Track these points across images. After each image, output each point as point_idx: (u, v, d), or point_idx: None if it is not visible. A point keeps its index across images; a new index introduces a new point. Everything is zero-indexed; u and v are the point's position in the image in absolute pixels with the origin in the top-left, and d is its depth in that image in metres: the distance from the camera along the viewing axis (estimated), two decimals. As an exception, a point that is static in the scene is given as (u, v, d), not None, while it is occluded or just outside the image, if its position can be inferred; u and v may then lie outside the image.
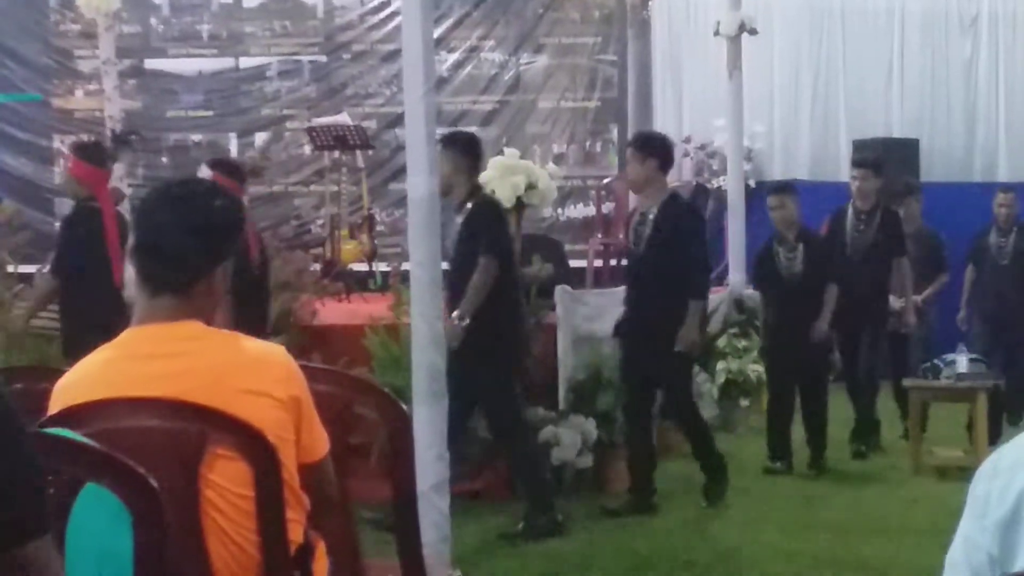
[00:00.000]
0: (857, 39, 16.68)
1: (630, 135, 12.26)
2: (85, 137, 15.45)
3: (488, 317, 8.69)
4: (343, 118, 14.81)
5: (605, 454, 10.00)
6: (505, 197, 10.15)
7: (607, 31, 16.04)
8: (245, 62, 17.17)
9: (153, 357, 3.75)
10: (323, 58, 17.08)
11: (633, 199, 11.85)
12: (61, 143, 16.58)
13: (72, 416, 3.53)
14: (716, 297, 12.08)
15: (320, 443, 3.99)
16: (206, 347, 3.89)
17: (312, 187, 16.11)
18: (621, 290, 11.37)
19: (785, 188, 11.38)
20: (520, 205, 10.26)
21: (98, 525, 3.28)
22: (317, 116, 15.59)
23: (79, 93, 16.75)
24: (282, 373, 3.92)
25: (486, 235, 8.82)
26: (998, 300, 13.07)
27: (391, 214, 15.58)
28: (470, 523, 8.60)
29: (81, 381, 3.74)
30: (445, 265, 8.27)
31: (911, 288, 11.76)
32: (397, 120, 13.61)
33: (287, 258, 11.54)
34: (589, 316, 10.48)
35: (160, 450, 3.52)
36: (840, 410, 11.35)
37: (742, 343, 12.35)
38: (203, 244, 3.92)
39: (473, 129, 16.27)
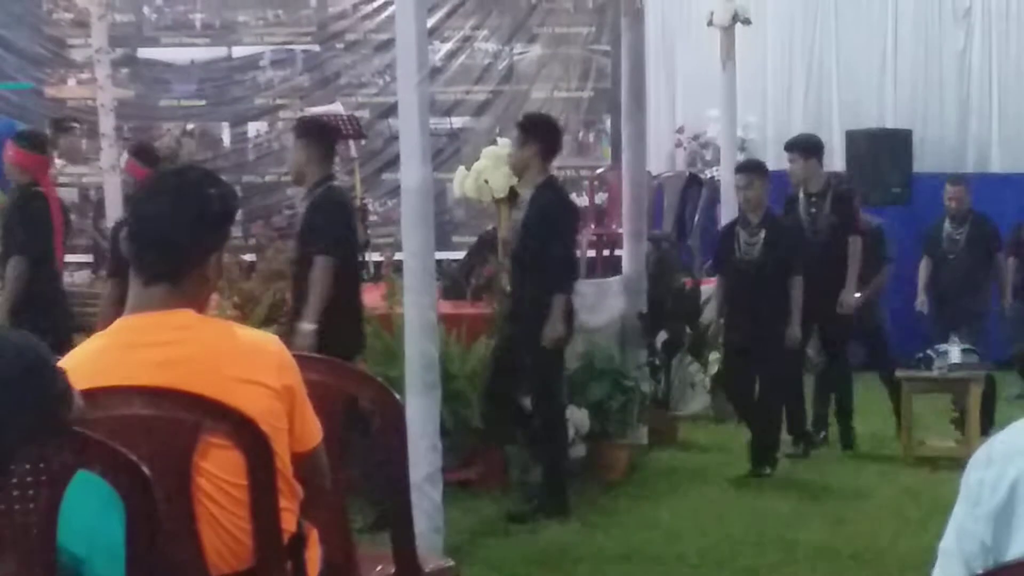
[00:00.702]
0: (850, 30, 16.70)
1: (624, 126, 12.24)
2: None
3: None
4: (336, 107, 14.76)
5: (598, 444, 10.00)
6: (498, 187, 10.15)
7: (600, 21, 16.05)
8: (238, 51, 17.16)
9: (146, 345, 3.75)
10: (316, 47, 17.07)
11: (627, 190, 11.87)
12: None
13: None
14: (708, 288, 12.08)
15: (313, 432, 4.00)
16: (199, 335, 3.89)
17: (306, 177, 16.09)
18: (615, 280, 11.45)
19: (755, 167, 11.03)
20: (513, 195, 10.24)
21: (90, 512, 3.29)
22: (310, 105, 15.55)
23: (72, 82, 16.71)
24: (276, 362, 3.92)
25: (325, 232, 8.44)
26: (951, 291, 12.66)
27: (384, 204, 15.58)
28: (463, 512, 8.62)
29: (74, 369, 3.73)
30: (439, 255, 8.30)
31: (856, 269, 11.10)
32: (390, 110, 13.60)
33: (280, 247, 11.50)
34: (582, 306, 10.45)
35: (153, 438, 3.52)
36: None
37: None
38: (196, 232, 3.92)
39: (466, 119, 16.36)
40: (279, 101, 16.96)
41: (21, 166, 9.84)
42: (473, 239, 13.29)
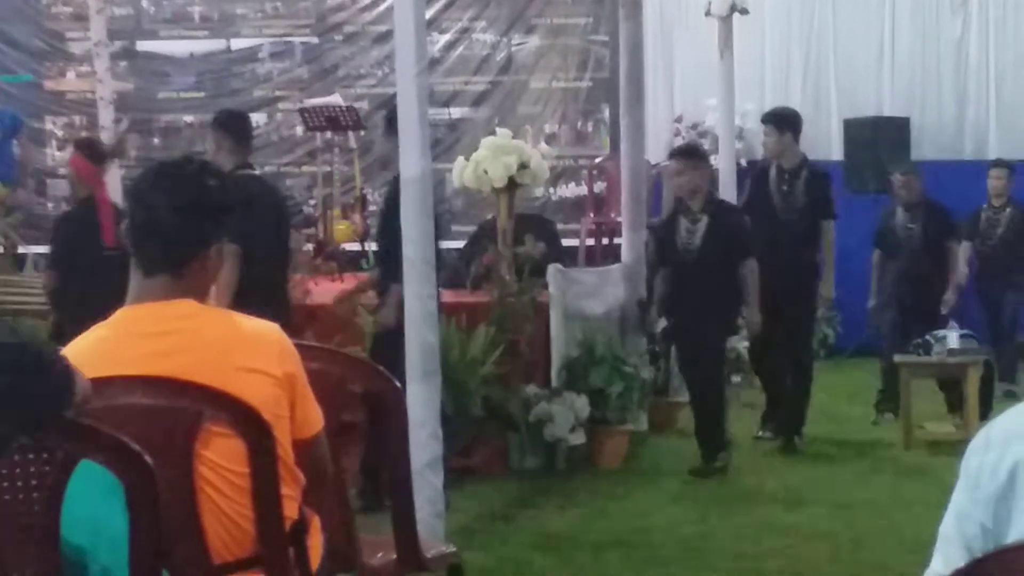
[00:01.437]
0: (847, 18, 16.71)
1: (622, 115, 12.25)
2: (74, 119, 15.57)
3: None
4: (335, 99, 14.82)
5: (598, 430, 10.02)
6: (497, 177, 10.14)
7: (598, 11, 16.05)
8: (237, 43, 17.14)
9: (148, 335, 3.75)
10: (315, 39, 17.06)
11: (626, 179, 11.88)
12: (53, 124, 16.56)
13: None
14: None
15: (314, 420, 4.00)
16: (200, 325, 3.89)
17: (304, 168, 16.09)
18: (615, 268, 11.45)
19: (689, 152, 10.55)
20: (512, 185, 10.24)
21: (93, 501, 3.29)
22: (309, 97, 15.59)
23: (71, 75, 16.70)
24: (277, 350, 3.93)
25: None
26: (909, 284, 12.20)
27: (382, 193, 15.58)
28: (464, 498, 8.63)
29: (76, 360, 3.73)
30: (441, 244, 8.30)
31: (832, 256, 10.87)
32: (389, 101, 13.56)
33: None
34: (581, 294, 10.49)
35: (155, 428, 3.53)
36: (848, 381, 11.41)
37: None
38: (196, 223, 3.93)
39: (465, 109, 16.36)
40: (278, 93, 16.95)
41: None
42: (472, 228, 13.32)
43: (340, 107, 14.22)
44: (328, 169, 14.32)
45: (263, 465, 3.81)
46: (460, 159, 10.74)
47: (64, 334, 6.87)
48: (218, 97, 16.84)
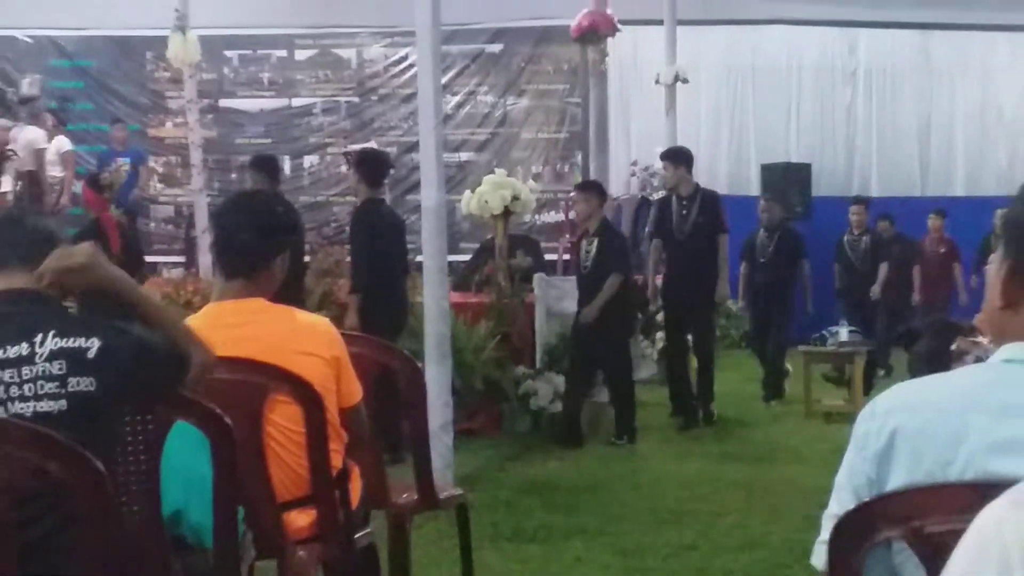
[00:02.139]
0: (763, 87, 16.74)
1: (591, 159, 12.28)
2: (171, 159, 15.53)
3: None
4: (371, 145, 14.82)
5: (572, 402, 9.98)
6: (495, 206, 10.15)
7: (573, 80, 16.03)
8: (296, 102, 17.17)
9: (228, 326, 3.75)
10: (356, 99, 17.08)
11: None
12: (154, 163, 16.54)
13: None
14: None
15: (355, 392, 4.01)
16: (268, 318, 3.90)
17: (347, 198, 16.03)
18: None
19: (585, 187, 10.22)
20: (507, 212, 10.25)
21: (186, 453, 3.30)
22: (351, 143, 15.61)
23: (168, 124, 16.73)
24: (326, 338, 3.94)
25: None
26: (763, 291, 11.95)
27: (408, 219, 15.45)
28: (469, 453, 8.63)
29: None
30: (451, 257, 8.29)
31: (725, 264, 10.33)
32: (413, 147, 13.59)
33: (328, 252, 11.52)
34: (559, 297, 10.46)
35: (234, 396, 3.53)
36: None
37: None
38: (265, 240, 3.93)
39: (471, 154, 16.38)
40: (327, 140, 16.97)
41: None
42: (476, 245, 13.30)
43: (375, 151, 14.19)
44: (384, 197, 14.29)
45: (315, 426, 3.81)
46: (467, 192, 10.73)
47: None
48: (281, 143, 16.89)
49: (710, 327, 10.87)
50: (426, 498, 4.73)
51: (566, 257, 14.18)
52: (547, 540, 6.81)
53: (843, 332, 11.20)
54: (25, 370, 2.81)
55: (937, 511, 1.91)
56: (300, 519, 3.88)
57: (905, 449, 1.98)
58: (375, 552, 4.36)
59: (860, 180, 16.73)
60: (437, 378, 7.19)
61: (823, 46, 16.65)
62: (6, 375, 2.81)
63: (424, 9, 7.29)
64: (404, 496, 4.70)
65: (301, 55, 17.13)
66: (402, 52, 16.41)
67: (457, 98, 16.34)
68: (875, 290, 13.14)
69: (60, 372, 2.81)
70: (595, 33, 11.74)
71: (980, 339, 4.21)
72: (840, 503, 2.05)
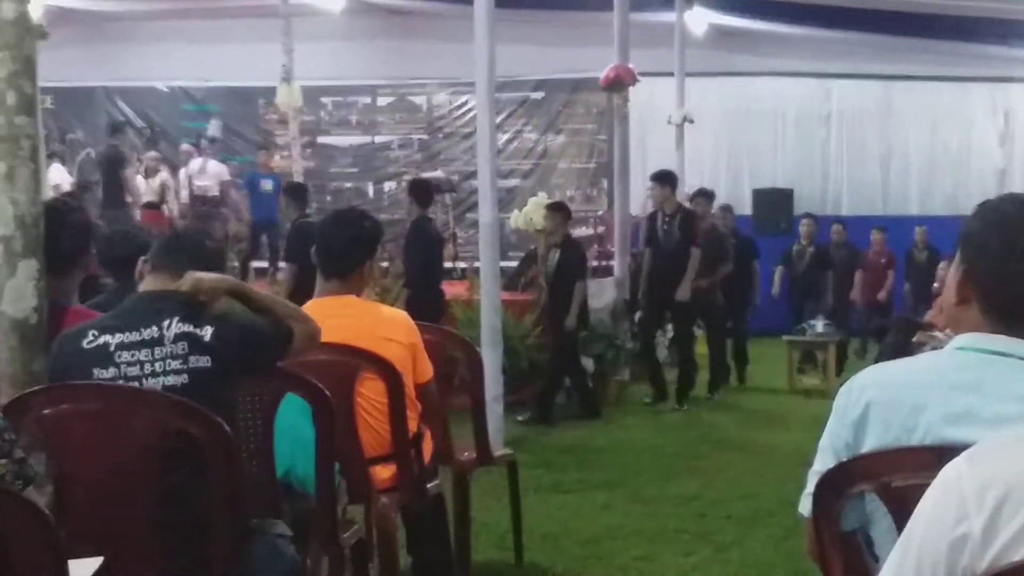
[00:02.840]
0: (755, 126, 16.57)
1: (615, 185, 12.24)
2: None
3: None
4: (438, 174, 14.85)
5: (599, 380, 9.94)
6: (537, 222, 10.09)
7: (601, 121, 15.96)
8: (378, 139, 17.14)
9: (327, 318, 3.76)
10: (426, 136, 17.04)
11: (617, 225, 11.83)
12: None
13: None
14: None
15: (427, 371, 4.02)
16: (359, 312, 3.92)
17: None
18: (609, 279, 11.39)
19: (553, 207, 9.71)
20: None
21: (293, 419, 3.32)
22: (422, 172, 15.62)
23: (276, 157, 16.67)
24: (404, 328, 3.96)
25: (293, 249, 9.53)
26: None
27: (467, 232, 15.48)
28: (515, 421, 8.63)
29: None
30: (502, 263, 8.28)
31: (693, 271, 9.69)
32: (472, 175, 13.55)
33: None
34: (590, 295, 10.42)
35: (331, 374, 3.55)
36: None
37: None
38: (356, 248, 3.95)
39: (518, 180, 16.32)
40: (403, 169, 16.91)
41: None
42: (522, 254, 13.28)
43: (441, 178, 14.23)
44: (432, 216, 14.28)
45: (395, 398, 3.83)
46: (515, 211, 10.72)
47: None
48: (366, 171, 16.93)
49: (688, 324, 10.17)
50: (483, 456, 4.76)
51: (595, 263, 14.16)
52: (580, 491, 6.81)
53: (819, 325, 11.11)
54: (157, 350, 2.82)
55: (902, 469, 1.91)
56: (383, 472, 3.90)
57: (877, 419, 1.98)
58: (442, 499, 4.38)
59: (833, 202, 16.56)
60: (491, 359, 7.17)
61: (803, 94, 16.50)
62: (142, 354, 2.83)
63: (482, 64, 7.29)
64: (465, 454, 4.72)
65: (382, 101, 17.14)
66: (463, 99, 16.37)
67: (507, 135, 16.28)
68: (828, 300, 12.36)
69: (183, 351, 2.82)
70: (619, 83, 11.68)
71: (935, 333, 4.17)
72: (823, 462, 2.04)
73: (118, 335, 2.84)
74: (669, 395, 9.97)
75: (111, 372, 2.81)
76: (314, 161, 16.70)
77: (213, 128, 15.62)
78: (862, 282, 13.40)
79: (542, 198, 10.59)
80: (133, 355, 2.82)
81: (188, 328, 2.84)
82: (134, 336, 2.83)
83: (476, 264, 9.21)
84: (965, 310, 1.98)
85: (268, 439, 3.22)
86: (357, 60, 16.43)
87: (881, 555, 1.97)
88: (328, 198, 16.66)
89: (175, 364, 2.81)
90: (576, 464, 7.54)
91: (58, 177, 12.64)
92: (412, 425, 3.94)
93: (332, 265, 3.93)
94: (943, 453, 1.66)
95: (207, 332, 2.84)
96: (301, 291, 8.39)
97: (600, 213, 15.67)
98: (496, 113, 7.96)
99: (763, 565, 5.40)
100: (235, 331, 2.91)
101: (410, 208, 9.21)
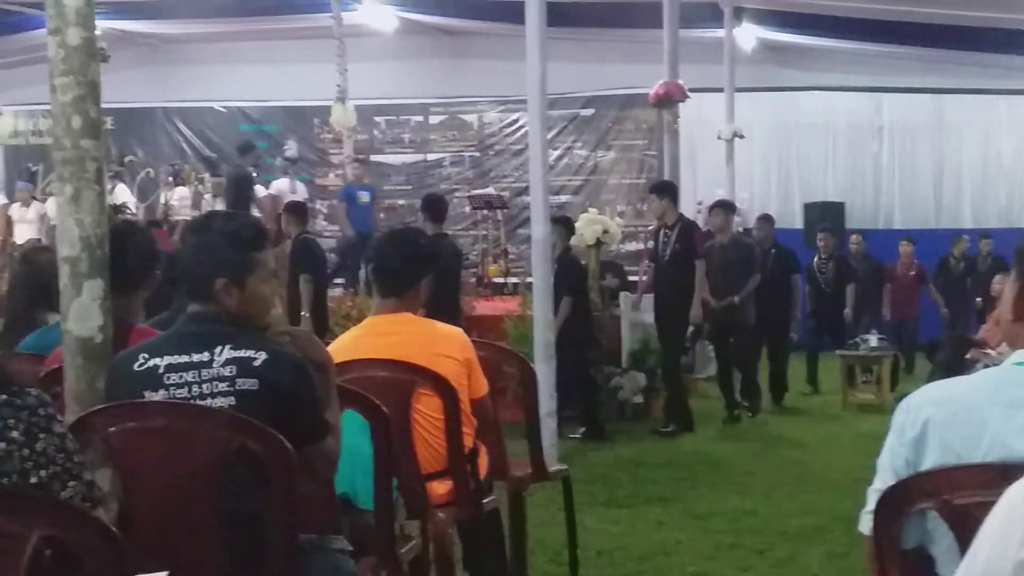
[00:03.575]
0: (805, 141, 16.49)
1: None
2: (333, 202, 15.75)
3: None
4: (490, 190, 14.89)
5: (650, 394, 9.91)
6: (589, 237, 10.07)
7: (651, 137, 15.93)
8: (430, 156, 17.26)
9: (384, 335, 3.80)
10: (477, 153, 17.12)
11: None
12: (320, 205, 16.79)
13: (341, 369, 3.56)
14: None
15: (482, 386, 4.02)
16: (415, 329, 3.93)
17: (471, 231, 16.11)
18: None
19: (556, 220, 8.92)
20: (599, 243, 10.20)
21: (352, 435, 3.32)
22: (474, 189, 15.68)
23: (331, 175, 16.92)
24: (459, 344, 3.96)
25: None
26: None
27: (518, 248, 15.49)
28: (569, 436, 8.62)
29: (343, 349, 3.78)
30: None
31: (700, 287, 9.21)
32: (523, 191, 13.62)
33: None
34: (640, 310, 10.40)
35: (389, 390, 3.56)
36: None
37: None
38: (412, 266, 3.97)
39: (569, 196, 16.30)
40: (455, 187, 16.97)
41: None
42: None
43: (492, 195, 14.27)
44: (484, 232, 14.35)
45: (452, 414, 3.83)
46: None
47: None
48: (418, 189, 16.96)
49: (678, 341, 9.56)
50: (538, 471, 4.74)
51: (644, 278, 14.11)
52: (634, 506, 6.78)
53: (873, 340, 10.98)
54: (204, 372, 2.80)
55: (963, 487, 1.89)
56: (440, 487, 3.90)
57: (936, 437, 1.96)
58: (498, 514, 4.37)
59: (885, 215, 16.43)
60: (545, 375, 7.15)
61: (853, 108, 16.38)
62: (189, 375, 2.81)
63: (534, 82, 7.30)
64: (520, 470, 4.71)
65: (434, 119, 17.23)
66: (514, 116, 16.42)
67: (558, 152, 16.28)
68: (847, 313, 12.02)
69: (230, 374, 2.78)
70: (669, 99, 11.66)
71: (988, 350, 4.12)
72: (883, 480, 2.03)
73: (167, 357, 2.84)
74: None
75: (160, 394, 2.81)
76: (368, 180, 16.80)
77: (291, 148, 15.75)
78: (890, 297, 13.10)
79: (592, 214, 10.58)
80: (181, 377, 2.81)
81: (239, 354, 2.81)
82: (183, 358, 2.83)
83: (528, 279, 9.23)
84: (1022, 327, 1.96)
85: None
86: (409, 79, 16.55)
87: (943, 574, 1.95)
88: (381, 215, 16.76)
89: (222, 386, 2.79)
90: (630, 479, 7.52)
91: (124, 196, 12.85)
92: (468, 441, 3.94)
93: (389, 283, 3.95)
94: (1005, 470, 1.64)
95: (259, 357, 2.81)
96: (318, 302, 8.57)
97: (650, 228, 15.60)
98: (547, 130, 7.94)
99: (819, 581, 5.34)
100: (289, 361, 2.84)
101: (424, 224, 8.99)
